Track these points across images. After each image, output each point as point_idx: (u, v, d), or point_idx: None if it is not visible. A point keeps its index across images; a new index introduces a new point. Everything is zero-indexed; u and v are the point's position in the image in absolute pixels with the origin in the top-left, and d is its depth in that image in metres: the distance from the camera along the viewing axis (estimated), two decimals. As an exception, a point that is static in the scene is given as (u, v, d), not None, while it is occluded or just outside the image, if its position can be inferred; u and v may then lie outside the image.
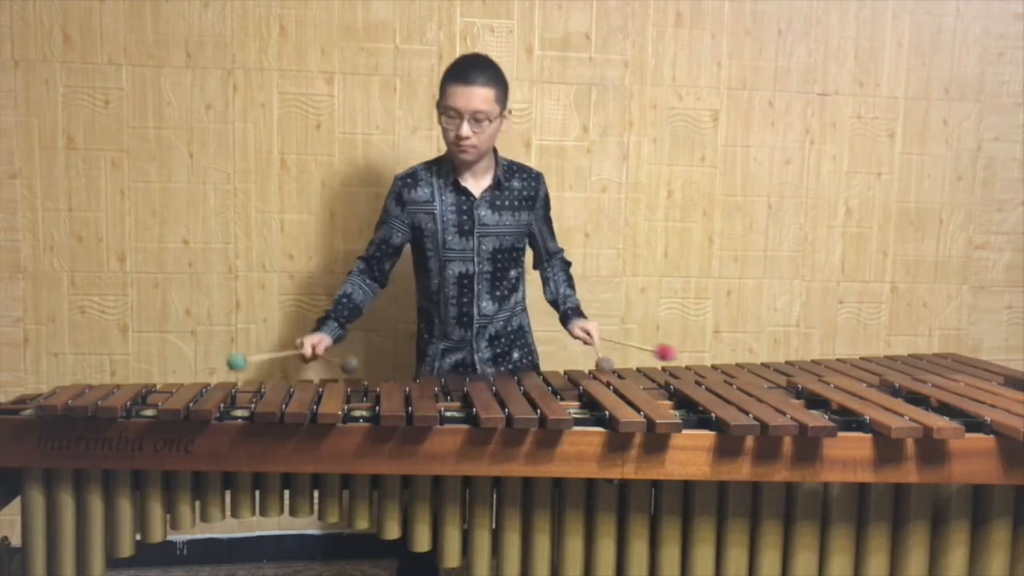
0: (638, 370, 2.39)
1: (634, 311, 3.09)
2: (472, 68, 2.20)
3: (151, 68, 2.79)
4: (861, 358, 2.56)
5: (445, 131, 2.24)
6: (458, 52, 2.89)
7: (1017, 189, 3.23)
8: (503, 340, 2.41)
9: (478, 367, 2.37)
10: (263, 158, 2.87)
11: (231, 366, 2.15)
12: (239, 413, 1.81)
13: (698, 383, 2.10)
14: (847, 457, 1.75)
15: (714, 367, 2.43)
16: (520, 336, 2.46)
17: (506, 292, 2.39)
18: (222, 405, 1.83)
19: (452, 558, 1.83)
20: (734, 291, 3.13)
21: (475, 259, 2.31)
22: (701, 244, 3.09)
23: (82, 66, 2.76)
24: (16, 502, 1.84)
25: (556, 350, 3.04)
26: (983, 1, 3.13)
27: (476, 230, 2.30)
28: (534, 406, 1.83)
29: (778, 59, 3.06)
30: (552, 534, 1.82)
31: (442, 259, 2.32)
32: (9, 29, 2.71)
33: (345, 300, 2.32)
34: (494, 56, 2.90)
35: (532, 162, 2.95)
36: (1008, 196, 3.23)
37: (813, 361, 2.51)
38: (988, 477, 1.77)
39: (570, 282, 2.52)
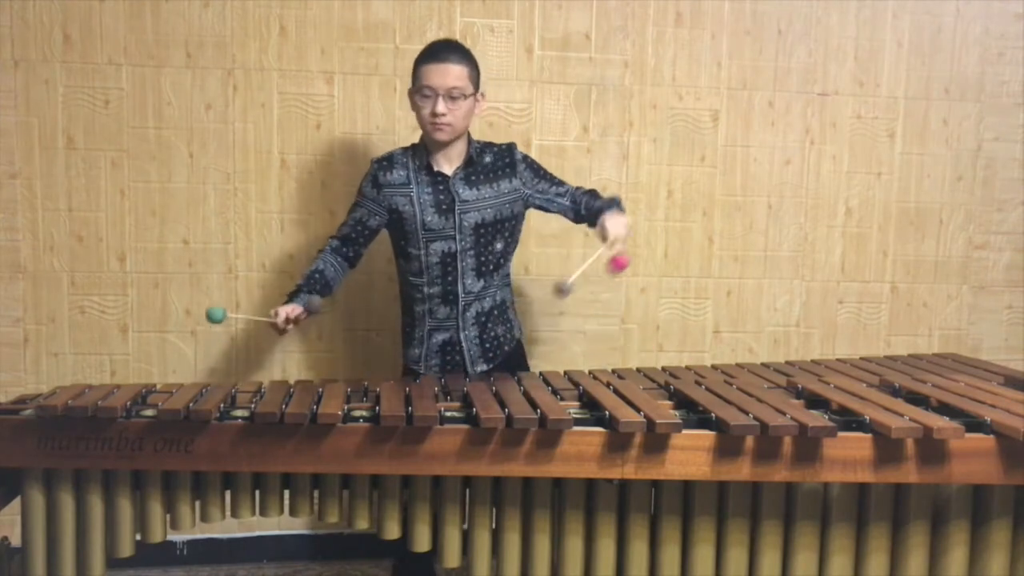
0: (638, 370, 2.39)
1: (634, 311, 3.09)
2: (445, 48, 2.26)
3: (151, 68, 2.79)
4: (861, 358, 2.56)
5: (419, 111, 2.26)
6: (458, 52, 2.89)
7: (1017, 189, 3.23)
8: (484, 317, 2.40)
9: (464, 345, 2.37)
10: (263, 158, 2.87)
11: (210, 318, 2.15)
12: (239, 413, 1.81)
13: (698, 383, 2.10)
14: (847, 457, 1.75)
15: (714, 367, 2.43)
16: (502, 311, 2.45)
17: (491, 267, 2.38)
18: (222, 405, 1.83)
19: (452, 558, 1.83)
20: (734, 291, 3.13)
21: (456, 236, 2.31)
22: (701, 244, 3.09)
23: (82, 66, 2.76)
24: (16, 502, 1.84)
25: (556, 350, 3.05)
26: (983, 1, 3.13)
27: (457, 207, 2.30)
28: (534, 406, 1.83)
29: (778, 59, 3.06)
30: (552, 534, 1.82)
31: (423, 240, 2.31)
32: (9, 29, 2.71)
33: (318, 275, 2.32)
34: (494, 56, 2.93)
35: (532, 162, 2.96)
36: (1008, 196, 3.23)
37: (813, 361, 2.51)
38: (988, 477, 1.77)
39: (594, 193, 2.41)
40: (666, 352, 3.11)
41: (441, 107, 2.21)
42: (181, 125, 2.82)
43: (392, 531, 1.82)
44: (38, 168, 2.78)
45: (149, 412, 1.81)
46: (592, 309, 3.07)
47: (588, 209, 2.39)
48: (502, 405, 1.83)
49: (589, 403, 1.95)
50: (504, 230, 2.38)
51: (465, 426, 1.78)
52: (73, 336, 2.84)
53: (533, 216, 3.03)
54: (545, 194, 2.43)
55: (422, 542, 1.82)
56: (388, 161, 2.35)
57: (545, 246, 3.01)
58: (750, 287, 3.14)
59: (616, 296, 3.08)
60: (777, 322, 3.16)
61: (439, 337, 2.38)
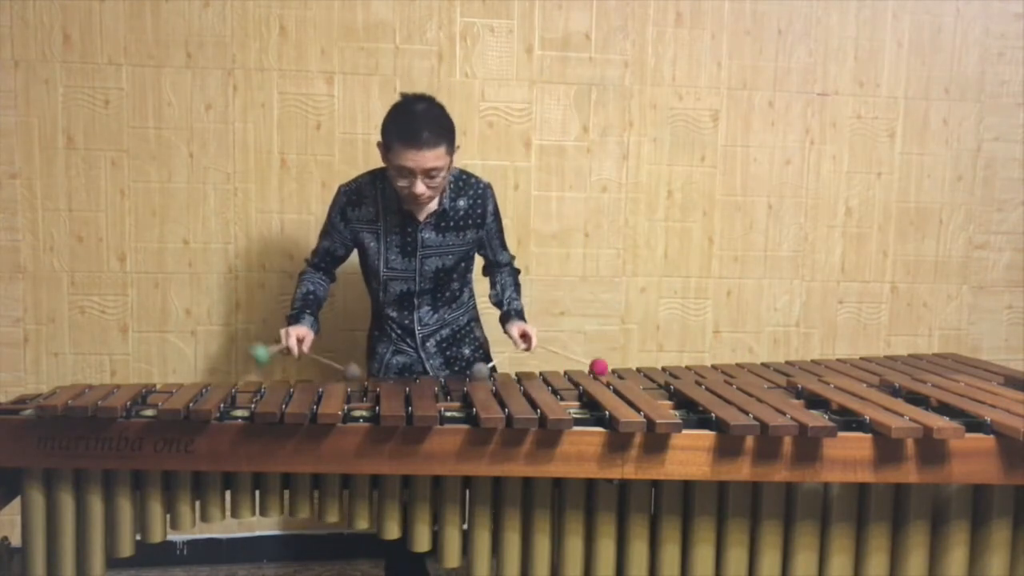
0: (638, 370, 2.39)
1: (634, 311, 3.09)
2: (420, 128, 2.08)
3: (151, 68, 2.79)
4: (861, 358, 2.56)
5: (398, 185, 2.15)
6: (458, 52, 2.90)
7: (1017, 189, 3.23)
8: (449, 340, 2.42)
9: (430, 373, 2.38)
10: (263, 158, 2.87)
11: (258, 360, 2.17)
12: (239, 413, 1.82)
13: (698, 383, 2.10)
14: (847, 457, 1.75)
15: (714, 367, 2.43)
16: (468, 332, 2.46)
17: (448, 301, 2.39)
18: (222, 405, 1.83)
19: (452, 558, 1.83)
20: (734, 291, 3.13)
21: (416, 279, 2.31)
22: (701, 244, 3.09)
23: (82, 66, 2.76)
24: (16, 502, 1.84)
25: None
26: (983, 1, 3.13)
27: (419, 252, 2.29)
28: (534, 406, 1.83)
29: (778, 59, 3.06)
30: (552, 534, 1.82)
31: (383, 277, 2.32)
32: (9, 29, 2.71)
33: (312, 297, 2.33)
34: (494, 56, 2.93)
35: (532, 162, 2.96)
36: (1008, 196, 3.23)
37: (813, 361, 2.51)
38: (988, 477, 1.77)
39: (517, 288, 2.49)
40: (666, 352, 3.11)
41: (421, 188, 2.12)
42: (181, 125, 2.82)
43: (392, 531, 1.82)
44: (38, 168, 2.78)
45: (149, 412, 1.81)
46: (592, 309, 3.07)
47: (507, 300, 2.42)
48: (502, 405, 1.83)
49: (589, 403, 1.95)
50: (461, 273, 2.39)
51: (465, 426, 1.78)
52: (73, 336, 2.84)
53: (533, 216, 3.04)
54: (492, 247, 2.43)
55: (422, 542, 1.82)
56: (356, 195, 2.29)
57: (545, 246, 3.01)
58: (750, 287, 3.14)
59: (616, 296, 3.07)
60: (777, 322, 3.16)
61: (399, 359, 2.40)
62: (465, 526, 1.83)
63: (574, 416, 1.78)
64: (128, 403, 1.81)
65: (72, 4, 2.73)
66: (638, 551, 1.81)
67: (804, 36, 3.06)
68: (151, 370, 2.89)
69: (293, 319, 2.27)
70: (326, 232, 2.36)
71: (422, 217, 2.27)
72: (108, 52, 2.76)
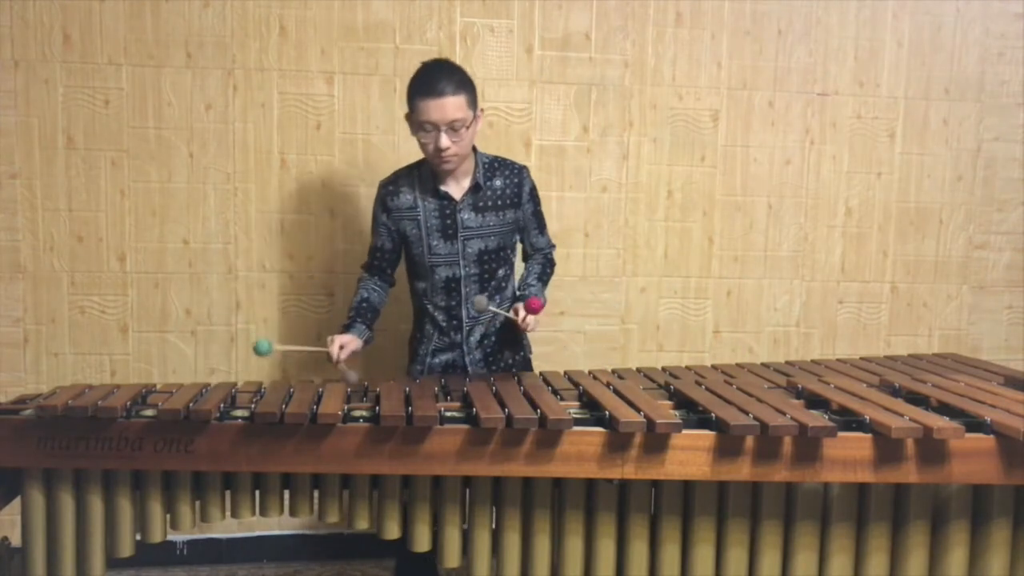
0: (638, 370, 2.39)
1: (634, 311, 3.09)
2: (440, 78, 2.16)
3: (151, 68, 2.79)
4: (861, 358, 2.56)
5: (423, 145, 2.22)
6: (458, 52, 2.89)
7: (1017, 189, 3.23)
8: (493, 339, 2.41)
9: (469, 369, 2.38)
10: (263, 158, 2.87)
11: (257, 350, 2.15)
12: (239, 413, 1.81)
13: (698, 383, 2.10)
14: (847, 457, 1.75)
15: (714, 367, 2.43)
16: (511, 332, 2.45)
17: (494, 291, 2.38)
18: (222, 405, 1.83)
19: (452, 558, 1.83)
20: (734, 291, 3.13)
21: (460, 263, 2.32)
22: (701, 244, 3.09)
23: (82, 66, 2.76)
24: (16, 502, 1.84)
25: (556, 350, 3.05)
26: (983, 1, 3.13)
27: (460, 234, 2.30)
28: (534, 406, 1.83)
29: (778, 59, 3.06)
30: (552, 534, 1.82)
31: (428, 264, 2.33)
32: (9, 29, 2.71)
33: (365, 305, 2.35)
34: (494, 56, 2.93)
35: (532, 162, 2.96)
36: (1008, 196, 3.23)
37: (813, 361, 2.51)
38: (988, 477, 1.77)
39: (542, 276, 2.46)
40: (666, 352, 3.11)
41: (445, 142, 2.17)
42: (181, 125, 2.82)
43: (392, 531, 1.82)
44: (38, 168, 2.78)
45: (149, 412, 1.81)
46: (592, 309, 3.07)
47: (523, 285, 2.42)
48: (502, 405, 1.83)
49: (589, 403, 1.95)
50: (506, 258, 2.40)
51: (465, 426, 1.78)
52: (73, 336, 2.84)
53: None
54: (527, 230, 2.44)
55: (422, 542, 1.82)
56: (394, 185, 2.34)
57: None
58: (750, 287, 3.14)
59: (616, 296, 3.08)
60: (777, 322, 3.16)
61: (442, 358, 2.39)
62: (465, 526, 1.83)
63: (574, 416, 1.78)
64: (128, 403, 1.81)
65: (72, 4, 2.74)
66: (638, 551, 1.81)
67: (804, 36, 3.06)
68: (151, 370, 2.89)
69: (345, 328, 2.29)
70: (373, 229, 2.39)
71: (459, 196, 2.29)
72: (108, 52, 2.77)
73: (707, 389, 2.02)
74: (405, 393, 1.95)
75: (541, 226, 2.47)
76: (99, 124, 2.79)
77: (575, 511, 1.81)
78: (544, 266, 2.48)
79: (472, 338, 2.38)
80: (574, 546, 1.81)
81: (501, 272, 2.39)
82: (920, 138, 3.17)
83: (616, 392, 1.97)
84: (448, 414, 1.83)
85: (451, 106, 2.15)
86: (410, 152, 2.91)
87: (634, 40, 2.99)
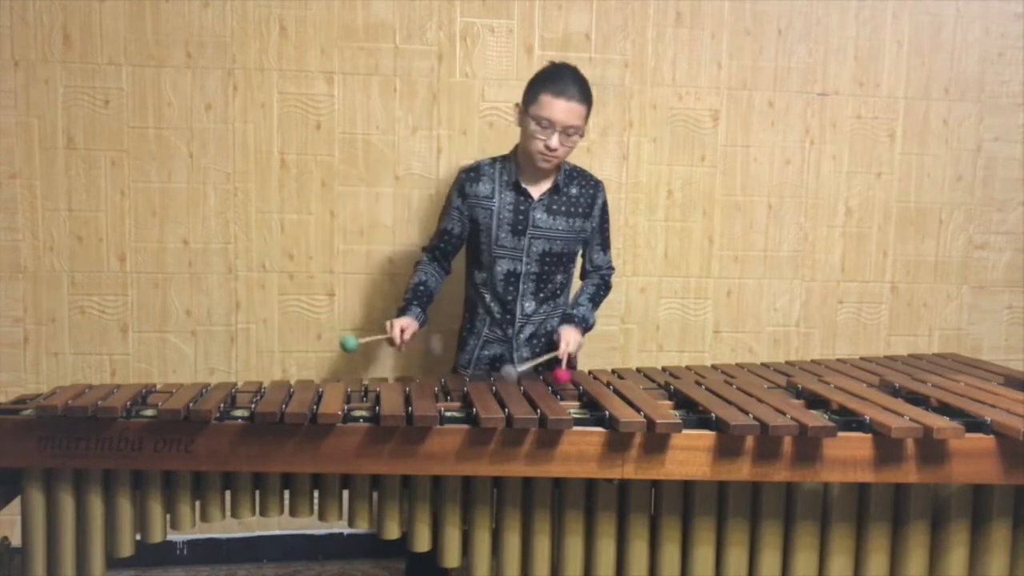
0: (638, 370, 2.39)
1: (634, 311, 3.09)
2: (572, 82, 2.24)
3: (151, 68, 2.79)
4: (861, 358, 2.56)
5: (531, 137, 2.25)
6: (458, 52, 2.90)
7: (1017, 189, 3.23)
8: (542, 339, 2.43)
9: (516, 365, 2.38)
10: (263, 158, 2.87)
11: (344, 347, 2.19)
12: (239, 413, 1.81)
13: (698, 383, 2.10)
14: (847, 457, 1.75)
15: (714, 367, 2.43)
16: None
17: (549, 295, 2.41)
18: (222, 405, 1.83)
19: (452, 558, 1.83)
20: (734, 291, 3.13)
21: (524, 259, 2.35)
22: (701, 244, 3.09)
23: (82, 66, 2.76)
24: (16, 502, 1.84)
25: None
26: (983, 1, 3.13)
27: (529, 231, 2.33)
28: (534, 406, 1.83)
29: (778, 59, 3.06)
30: (552, 534, 1.82)
31: (492, 254, 2.36)
32: (9, 29, 2.71)
33: (422, 288, 2.38)
34: (494, 56, 2.93)
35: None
36: (1008, 196, 3.23)
37: (813, 361, 2.51)
38: (988, 477, 1.77)
39: (594, 297, 2.47)
40: (666, 352, 3.11)
41: (555, 142, 2.23)
42: (181, 125, 2.82)
43: (392, 531, 1.82)
44: (38, 168, 2.78)
45: (149, 412, 1.81)
46: (592, 309, 3.07)
47: (574, 304, 2.44)
48: (502, 405, 1.83)
49: (589, 403, 1.95)
50: (566, 265, 2.42)
51: (465, 426, 1.78)
52: (73, 336, 2.84)
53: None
54: (591, 244, 2.46)
55: (422, 542, 1.82)
56: (475, 172, 2.38)
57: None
58: (750, 287, 3.14)
59: (616, 296, 3.07)
60: (777, 322, 3.16)
61: (491, 351, 2.42)
62: (465, 526, 1.83)
63: (574, 416, 1.78)
64: (128, 403, 1.81)
65: (72, 4, 2.73)
66: (638, 551, 1.81)
67: (804, 36, 3.06)
68: (151, 370, 2.89)
69: (401, 311, 2.33)
70: (444, 212, 2.42)
71: (536, 195, 2.33)
72: (108, 52, 2.77)
73: (707, 389, 2.03)
74: (405, 393, 1.95)
75: (605, 243, 2.49)
76: (99, 124, 2.79)
77: (575, 511, 1.81)
78: (599, 288, 2.49)
79: (522, 335, 2.40)
80: (574, 546, 1.81)
81: (559, 278, 2.42)
82: (920, 138, 3.17)
83: (616, 392, 1.97)
84: (448, 414, 1.83)
85: (574, 112, 2.23)
86: (410, 152, 2.92)
87: (634, 40, 2.99)
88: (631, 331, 3.10)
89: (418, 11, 2.88)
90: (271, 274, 2.91)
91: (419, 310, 2.34)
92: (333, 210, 2.91)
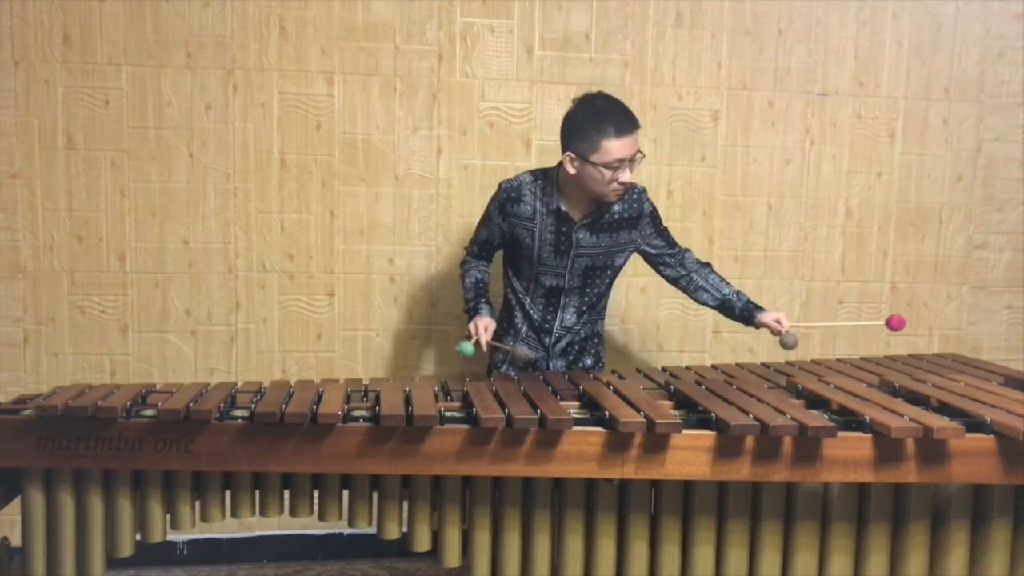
0: (638, 370, 2.39)
1: (634, 311, 3.09)
2: (627, 115, 2.22)
3: (151, 68, 2.79)
4: (861, 358, 2.56)
5: (601, 183, 2.20)
6: (458, 52, 2.90)
7: (1017, 189, 3.23)
8: (577, 347, 2.44)
9: (551, 370, 2.41)
10: (263, 158, 2.87)
11: (462, 353, 2.23)
12: (239, 413, 1.81)
13: (698, 383, 2.10)
14: (847, 457, 1.75)
15: (714, 367, 2.43)
16: (594, 343, 2.48)
17: (591, 303, 2.42)
18: (222, 405, 1.83)
19: (452, 558, 1.83)
20: (734, 291, 3.13)
21: (567, 276, 2.35)
22: (701, 244, 3.09)
23: (82, 66, 2.76)
24: (16, 502, 1.84)
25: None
26: (983, 1, 3.13)
27: (573, 251, 2.33)
28: (534, 406, 1.83)
29: (778, 59, 3.06)
30: (552, 534, 1.82)
31: (535, 270, 2.36)
32: (9, 29, 2.71)
33: (482, 285, 2.43)
34: (494, 56, 2.93)
35: (531, 162, 2.95)
36: (1008, 196, 3.23)
37: (813, 361, 2.51)
38: (988, 477, 1.77)
39: (720, 281, 2.46)
40: (666, 352, 3.11)
41: (628, 176, 2.21)
42: (181, 125, 2.82)
43: (392, 531, 1.82)
44: (38, 168, 2.78)
45: (149, 412, 1.81)
46: (592, 309, 3.06)
47: (733, 296, 2.43)
48: (502, 405, 1.83)
49: (589, 403, 1.95)
50: (609, 274, 2.42)
51: (465, 426, 1.78)
52: (73, 336, 2.84)
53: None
54: (657, 249, 2.44)
55: (422, 542, 1.82)
56: (516, 191, 2.33)
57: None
58: (750, 287, 3.13)
59: (616, 296, 3.06)
60: (777, 322, 3.16)
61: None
62: (465, 526, 1.83)
63: (574, 416, 1.78)
64: (128, 403, 1.81)
65: (72, 4, 2.73)
66: (638, 551, 1.81)
67: (804, 36, 3.06)
68: (151, 370, 2.89)
69: (473, 310, 2.36)
70: (484, 223, 2.42)
71: (578, 217, 2.31)
72: (108, 52, 2.76)
73: (707, 389, 2.03)
74: (405, 393, 1.95)
75: (670, 241, 2.45)
76: (99, 124, 2.79)
77: (575, 511, 1.81)
78: (708, 269, 2.47)
79: (558, 346, 2.42)
80: (574, 546, 1.81)
81: (601, 286, 2.43)
82: (920, 138, 3.16)
83: (616, 392, 1.97)
84: (448, 414, 1.83)
85: (635, 141, 2.21)
86: (410, 152, 2.92)
87: (634, 40, 2.99)
88: (631, 331, 3.10)
89: (418, 11, 2.88)
90: (271, 274, 2.91)
91: (489, 307, 2.38)
92: (333, 210, 2.91)
